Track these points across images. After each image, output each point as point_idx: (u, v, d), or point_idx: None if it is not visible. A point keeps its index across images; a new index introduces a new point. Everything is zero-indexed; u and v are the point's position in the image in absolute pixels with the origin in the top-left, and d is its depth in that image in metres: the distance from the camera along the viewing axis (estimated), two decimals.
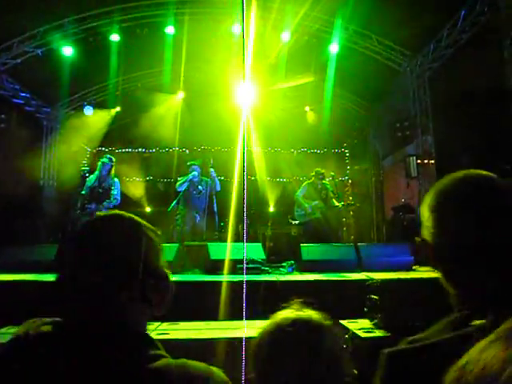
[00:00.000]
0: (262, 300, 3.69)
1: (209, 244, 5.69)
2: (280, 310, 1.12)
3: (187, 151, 11.62)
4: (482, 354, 0.49)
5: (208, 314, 3.51)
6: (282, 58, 8.67)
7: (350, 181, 12.06)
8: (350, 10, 7.52)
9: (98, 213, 0.96)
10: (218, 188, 7.01)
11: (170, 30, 8.34)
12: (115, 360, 0.76)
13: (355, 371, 1.06)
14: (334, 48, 8.70)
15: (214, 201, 6.98)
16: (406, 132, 9.13)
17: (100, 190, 6.37)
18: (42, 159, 10.40)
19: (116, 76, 9.62)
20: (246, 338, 2.63)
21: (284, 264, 6.13)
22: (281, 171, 11.68)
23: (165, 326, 3.05)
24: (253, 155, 10.51)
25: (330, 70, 9.10)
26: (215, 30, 8.12)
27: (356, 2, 7.15)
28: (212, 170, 6.98)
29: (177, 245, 5.93)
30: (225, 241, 6.45)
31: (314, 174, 7.44)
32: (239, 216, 7.05)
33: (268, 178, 11.06)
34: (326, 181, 7.51)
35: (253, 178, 10.83)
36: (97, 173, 6.49)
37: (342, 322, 3.04)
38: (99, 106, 10.71)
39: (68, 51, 8.43)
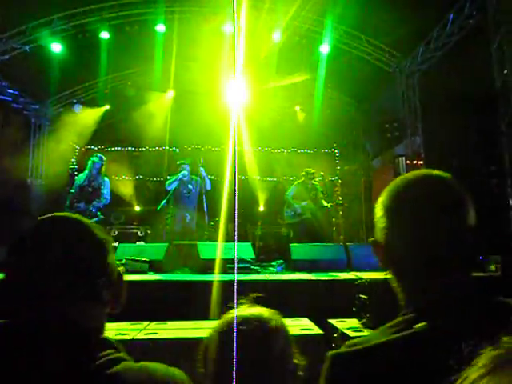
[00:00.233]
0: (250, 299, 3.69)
1: (199, 243, 5.68)
2: (231, 308, 1.12)
3: (177, 150, 11.58)
4: None
5: (198, 313, 3.50)
6: (272, 57, 8.67)
7: (339, 181, 12.12)
8: (340, 10, 7.56)
9: (42, 216, 0.94)
10: (209, 187, 7.00)
11: (160, 27, 8.29)
12: (67, 364, 0.73)
13: (304, 362, 1.06)
14: (324, 48, 8.73)
15: (205, 200, 6.96)
16: (395, 133, 9.20)
17: (90, 189, 6.32)
18: (29, 157, 10.28)
19: (106, 74, 9.54)
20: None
21: (273, 263, 6.15)
22: (271, 171, 11.70)
23: (153, 325, 3.03)
24: (243, 154, 10.51)
25: (321, 70, 9.14)
26: (206, 29, 8.09)
27: (346, 3, 7.18)
28: (202, 169, 6.96)
29: (166, 244, 5.91)
30: (215, 240, 6.44)
31: (304, 173, 7.46)
32: (229, 215, 7.06)
33: (258, 178, 11.07)
34: (316, 181, 7.54)
35: (243, 178, 10.83)
36: (87, 171, 6.43)
37: (330, 321, 3.06)
38: (88, 103, 10.61)
39: (57, 48, 8.34)
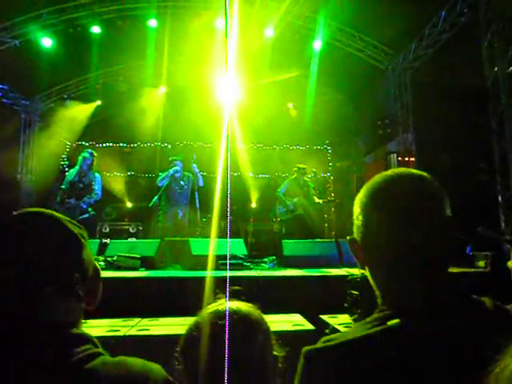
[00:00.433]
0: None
1: (190, 240, 5.66)
2: (208, 303, 1.12)
3: (169, 146, 11.52)
4: None
5: (189, 310, 3.50)
6: (265, 53, 8.65)
7: (331, 177, 12.16)
8: (333, 7, 7.56)
9: (15, 212, 0.93)
10: (201, 183, 6.98)
11: (152, 23, 8.23)
12: (42, 360, 0.73)
13: (283, 354, 1.07)
14: (317, 45, 8.73)
15: (197, 196, 6.94)
16: (387, 129, 9.25)
17: (81, 185, 6.27)
18: (19, 153, 10.17)
19: (97, 69, 9.46)
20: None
21: (265, 260, 6.15)
22: (263, 167, 11.69)
23: (145, 321, 3.03)
24: (236, 151, 10.49)
25: (313, 66, 9.14)
26: (198, 24, 8.04)
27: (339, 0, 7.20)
28: (194, 165, 6.94)
29: (158, 240, 5.89)
30: (207, 236, 6.43)
31: (296, 169, 7.47)
32: (221, 212, 7.04)
33: (250, 174, 11.06)
34: (308, 177, 7.55)
35: (235, 174, 10.82)
36: (77, 167, 6.38)
37: (322, 316, 3.07)
38: (80, 99, 10.51)
39: (47, 42, 8.24)
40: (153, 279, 4.32)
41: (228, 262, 4.98)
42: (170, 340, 2.55)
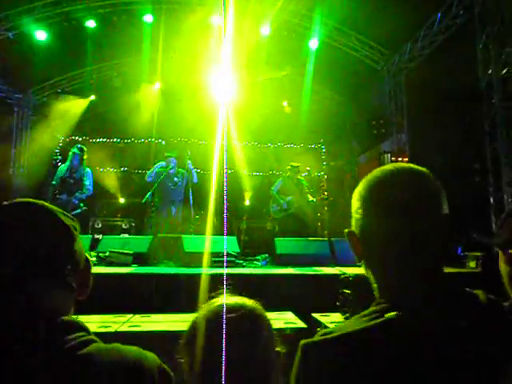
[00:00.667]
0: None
1: (183, 236, 5.66)
2: (211, 298, 1.12)
3: (163, 142, 11.48)
4: None
5: (181, 306, 3.49)
6: (261, 51, 8.63)
7: (325, 176, 12.18)
8: (328, 5, 7.56)
9: (5, 202, 0.92)
10: (195, 180, 6.97)
11: (148, 18, 8.17)
12: (35, 348, 0.73)
13: (285, 350, 1.07)
14: (313, 44, 8.73)
15: (191, 193, 6.93)
16: (381, 129, 9.28)
17: (72, 181, 6.24)
18: (12, 147, 10.07)
19: (91, 63, 9.39)
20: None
21: (258, 257, 6.16)
22: (258, 165, 11.68)
23: (137, 318, 3.02)
24: (230, 148, 10.47)
25: (309, 65, 9.13)
26: (193, 21, 8.01)
27: None
28: (189, 161, 6.92)
29: (151, 237, 5.88)
30: (200, 234, 6.42)
31: (289, 167, 7.48)
32: (215, 209, 7.04)
33: (245, 172, 11.05)
34: (301, 176, 7.57)
35: (229, 172, 10.80)
36: (68, 163, 6.35)
37: (314, 315, 3.08)
38: (74, 93, 10.43)
39: (41, 36, 8.15)
40: (145, 275, 4.31)
41: (221, 259, 4.97)
42: (161, 336, 2.55)
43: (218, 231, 7.20)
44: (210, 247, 5.18)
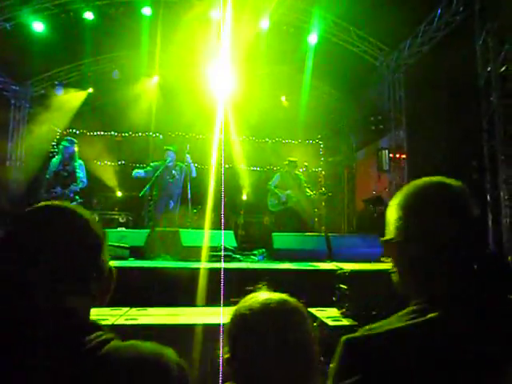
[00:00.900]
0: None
1: (181, 230, 5.66)
2: (249, 293, 1.12)
3: (161, 136, 11.44)
4: None
5: (178, 300, 3.50)
6: (260, 45, 8.59)
7: (323, 172, 12.18)
8: (328, 0, 7.55)
9: (39, 204, 0.91)
10: (194, 174, 6.96)
11: (146, 10, 8.11)
12: (59, 349, 0.74)
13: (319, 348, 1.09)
14: (312, 39, 8.69)
15: (189, 187, 6.93)
16: (379, 126, 9.28)
17: (65, 174, 6.24)
18: (8, 139, 10.02)
19: (89, 56, 9.33)
20: (204, 324, 2.65)
21: (255, 252, 6.18)
22: (255, 160, 11.67)
23: (133, 311, 3.03)
24: (228, 143, 10.45)
25: (308, 61, 9.10)
26: (192, 14, 7.96)
27: None
28: (188, 155, 6.92)
29: (148, 230, 5.88)
30: (197, 228, 6.43)
31: (287, 163, 7.48)
32: (213, 203, 7.05)
33: (242, 167, 11.04)
34: (299, 171, 7.57)
35: (227, 166, 10.79)
36: (59, 156, 6.34)
37: (310, 310, 3.09)
38: (71, 86, 10.37)
39: (39, 27, 8.08)
40: (142, 269, 4.31)
41: (219, 253, 4.98)
42: (158, 330, 2.56)
43: (215, 225, 7.21)
44: (207, 241, 5.19)
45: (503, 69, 5.86)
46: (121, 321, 2.66)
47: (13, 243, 0.84)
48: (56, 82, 10.25)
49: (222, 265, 4.24)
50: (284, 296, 1.08)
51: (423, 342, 0.78)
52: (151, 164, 7.05)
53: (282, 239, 6.04)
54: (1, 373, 0.72)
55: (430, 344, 0.78)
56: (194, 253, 5.06)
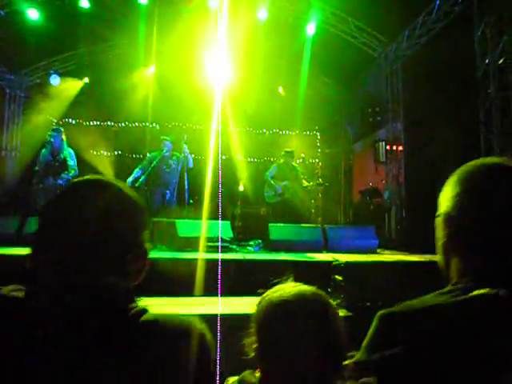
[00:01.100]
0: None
1: (177, 221, 5.66)
2: (274, 284, 1.12)
3: (157, 127, 11.39)
4: None
5: (175, 290, 3.51)
6: (258, 36, 8.53)
7: (319, 163, 12.18)
8: None
9: (76, 180, 0.92)
10: (191, 165, 6.95)
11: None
12: (107, 318, 0.79)
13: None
14: (310, 29, 8.64)
15: (186, 177, 6.91)
16: (376, 117, 9.27)
17: (56, 164, 6.21)
18: (3, 129, 9.96)
19: (85, 45, 9.24)
20: (202, 314, 2.65)
21: (251, 243, 6.19)
22: (252, 151, 11.65)
23: None
24: (226, 134, 10.41)
25: (306, 52, 9.06)
26: (189, 4, 7.88)
27: None
28: (185, 146, 6.89)
29: None
30: (194, 218, 6.43)
31: (283, 153, 7.47)
32: (210, 194, 7.04)
33: (239, 157, 11.03)
34: (296, 162, 7.57)
35: (224, 157, 10.76)
36: (48, 147, 6.31)
37: None
38: (67, 75, 10.28)
39: (33, 14, 7.98)
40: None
41: (215, 244, 4.99)
42: None
43: (212, 216, 7.21)
44: (204, 232, 5.19)
45: (501, 61, 5.85)
46: None
47: (44, 226, 0.85)
48: (51, 71, 10.15)
49: (220, 255, 4.25)
50: (313, 289, 1.08)
51: (468, 320, 0.77)
52: (147, 156, 7.02)
53: (278, 230, 6.05)
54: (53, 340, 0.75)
55: (475, 322, 0.76)
56: (190, 243, 5.07)
